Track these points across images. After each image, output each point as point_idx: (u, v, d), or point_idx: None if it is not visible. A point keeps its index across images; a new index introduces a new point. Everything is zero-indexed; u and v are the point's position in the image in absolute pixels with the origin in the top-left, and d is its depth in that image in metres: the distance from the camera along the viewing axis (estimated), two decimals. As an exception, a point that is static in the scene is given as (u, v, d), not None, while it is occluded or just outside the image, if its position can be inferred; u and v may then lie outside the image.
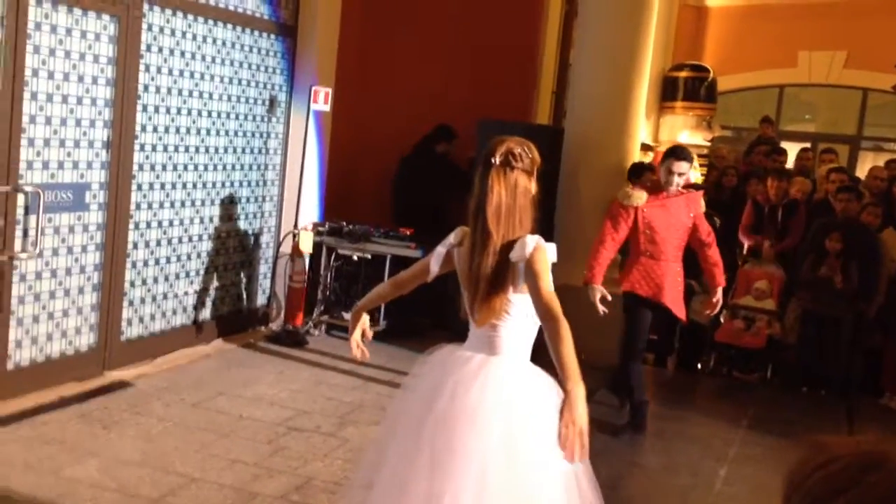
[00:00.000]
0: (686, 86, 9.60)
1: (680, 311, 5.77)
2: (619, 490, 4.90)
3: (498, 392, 2.87)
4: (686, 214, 5.62)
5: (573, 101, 7.70)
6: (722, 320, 7.65)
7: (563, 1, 9.09)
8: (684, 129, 9.51)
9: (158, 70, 6.25)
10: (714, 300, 5.67)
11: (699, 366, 7.77)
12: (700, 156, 9.44)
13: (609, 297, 5.47)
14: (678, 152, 5.74)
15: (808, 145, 10.11)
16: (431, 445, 2.89)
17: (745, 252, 7.89)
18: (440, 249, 3.15)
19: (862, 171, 9.60)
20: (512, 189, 2.97)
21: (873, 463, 0.59)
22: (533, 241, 2.91)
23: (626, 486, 5.07)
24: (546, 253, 2.91)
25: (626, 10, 7.31)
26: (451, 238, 3.13)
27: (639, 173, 7.29)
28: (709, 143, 9.56)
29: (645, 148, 8.58)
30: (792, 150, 10.01)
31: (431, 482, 2.85)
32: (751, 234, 7.76)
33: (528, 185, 3.01)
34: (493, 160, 3.00)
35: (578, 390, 2.63)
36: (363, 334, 3.34)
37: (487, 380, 2.91)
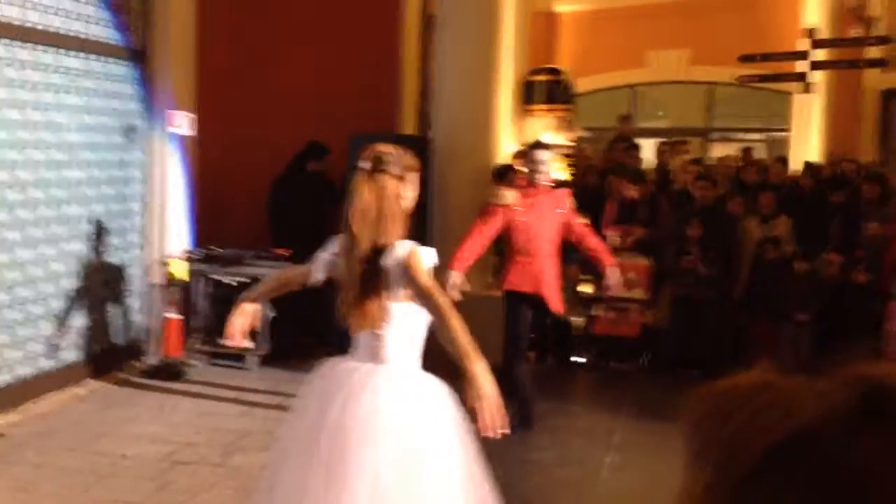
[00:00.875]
0: (544, 88, 9.87)
1: (557, 305, 5.93)
2: (514, 488, 4.96)
3: (388, 401, 2.85)
4: (553, 210, 5.79)
5: (437, 110, 7.80)
6: (596, 314, 7.88)
7: (421, 14, 9.19)
8: (546, 130, 9.77)
9: (3, 103, 5.97)
10: (613, 282, 5.85)
11: (575, 359, 7.97)
12: (565, 155, 9.71)
13: (466, 287, 5.50)
14: (534, 145, 6.03)
15: (665, 140, 10.54)
16: (326, 459, 2.86)
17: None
18: (323, 255, 3.13)
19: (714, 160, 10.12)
20: (380, 194, 2.97)
21: (760, 386, 0.62)
22: (406, 246, 2.91)
23: (521, 483, 5.14)
24: (421, 255, 2.91)
25: (481, 20, 7.47)
26: (334, 246, 3.12)
27: (503, 175, 7.44)
28: (572, 143, 9.86)
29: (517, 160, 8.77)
30: (647, 145, 10.42)
31: (327, 496, 2.82)
32: (616, 226, 8.02)
33: (399, 190, 3.01)
34: (360, 166, 3.00)
35: (479, 366, 2.65)
36: (250, 325, 3.24)
37: (377, 389, 2.90)
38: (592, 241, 5.96)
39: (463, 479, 2.94)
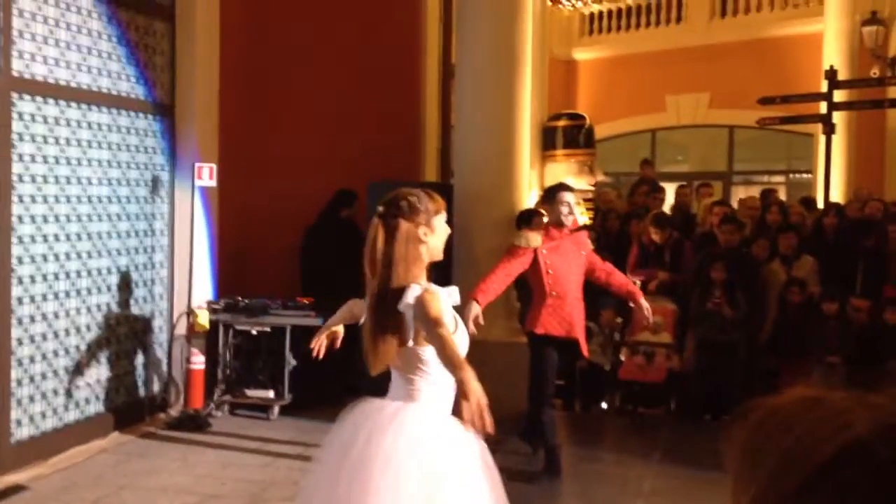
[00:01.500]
0: (565, 134, 9.91)
1: (585, 348, 5.90)
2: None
3: (413, 439, 2.82)
4: (577, 252, 5.77)
5: (459, 158, 7.84)
6: (623, 358, 7.81)
7: (440, 62, 9.30)
8: (567, 175, 9.79)
9: (32, 158, 6.06)
10: (645, 313, 5.70)
11: (604, 405, 7.88)
12: (585, 200, 9.71)
13: (481, 320, 5.37)
14: (559, 187, 6.04)
15: (683, 183, 10.53)
16: (348, 490, 2.84)
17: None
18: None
19: (735, 204, 10.08)
20: (394, 237, 2.97)
21: (811, 403, 0.61)
22: (417, 289, 2.89)
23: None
24: (435, 296, 2.88)
25: (500, 67, 7.53)
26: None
27: (528, 219, 7.44)
28: (593, 188, 9.86)
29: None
30: (669, 189, 10.40)
31: None
32: (640, 271, 7.98)
33: (416, 233, 3.00)
34: (378, 210, 3.02)
35: (465, 373, 2.63)
36: (329, 340, 3.49)
37: (403, 424, 2.88)
38: (620, 278, 5.95)
39: None
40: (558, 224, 5.74)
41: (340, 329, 3.52)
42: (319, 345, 3.48)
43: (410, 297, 2.87)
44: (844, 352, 7.12)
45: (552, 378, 5.93)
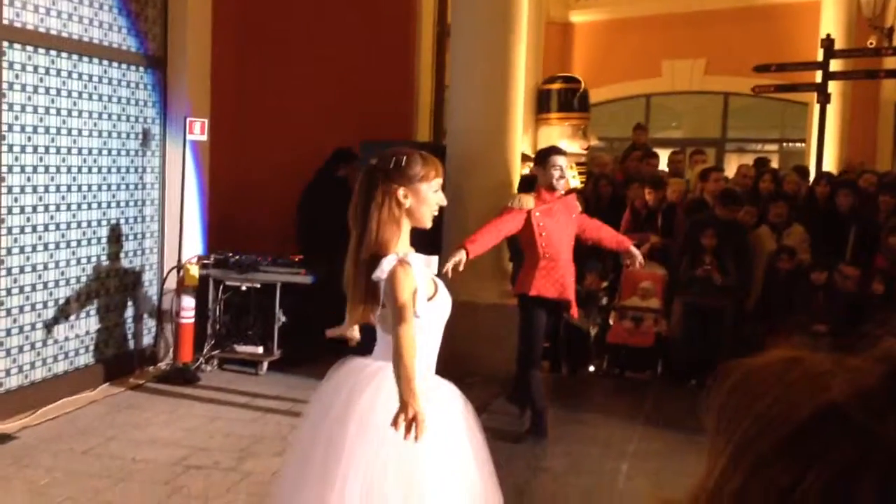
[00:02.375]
0: (559, 97, 9.85)
1: (575, 309, 5.94)
2: (525, 495, 4.94)
3: (390, 399, 2.77)
4: (568, 215, 5.78)
5: (452, 119, 7.79)
6: (611, 322, 7.85)
7: (436, 22, 9.21)
8: (561, 138, 9.75)
9: (23, 108, 6.01)
10: (637, 258, 5.78)
11: (591, 368, 7.93)
12: (578, 164, 9.69)
13: (461, 267, 5.24)
14: (551, 150, 6.03)
15: (677, 149, 10.52)
16: (325, 450, 2.85)
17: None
18: None
19: (728, 172, 10.07)
20: (372, 195, 2.91)
21: (789, 364, 0.61)
22: (392, 260, 2.83)
23: (533, 490, 5.11)
24: (407, 274, 2.81)
25: (496, 29, 7.46)
26: None
27: (532, 184, 7.41)
28: (585, 152, 9.83)
29: (525, 158, 8.75)
30: (663, 155, 10.38)
31: (322, 489, 2.80)
32: (632, 234, 7.99)
33: (396, 194, 2.91)
34: (367, 164, 3.00)
35: (407, 386, 2.65)
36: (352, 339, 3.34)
37: (381, 386, 2.86)
38: (609, 231, 5.99)
39: (469, 483, 2.91)
40: (549, 187, 5.73)
41: (356, 333, 3.33)
42: (338, 333, 3.35)
43: (385, 269, 2.81)
44: (831, 321, 7.17)
45: (541, 340, 5.97)
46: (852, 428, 0.55)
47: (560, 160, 5.79)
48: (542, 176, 5.82)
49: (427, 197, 2.98)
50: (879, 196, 7.89)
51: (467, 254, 5.31)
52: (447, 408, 2.98)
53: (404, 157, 2.95)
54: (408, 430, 2.59)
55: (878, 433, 0.55)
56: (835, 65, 10.93)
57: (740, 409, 0.60)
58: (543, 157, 5.90)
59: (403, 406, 2.62)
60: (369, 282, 2.87)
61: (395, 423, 2.62)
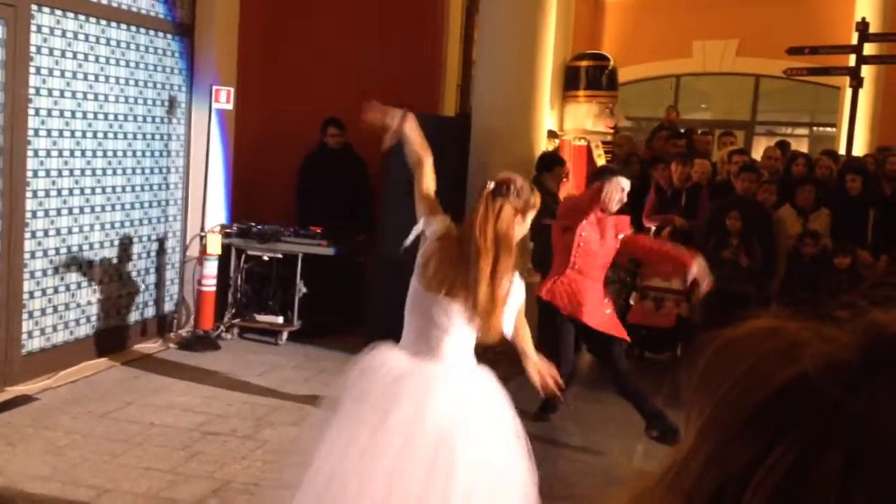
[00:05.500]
0: (588, 74, 9.73)
1: (606, 327, 5.55)
2: (539, 471, 4.93)
3: (458, 401, 3.08)
4: (614, 236, 5.49)
5: (479, 94, 7.74)
6: (632, 302, 7.80)
7: (464, -3, 9.13)
8: (588, 117, 9.64)
9: (50, 72, 6.02)
10: (702, 273, 5.39)
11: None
12: (604, 142, 9.60)
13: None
14: (610, 171, 5.83)
15: (705, 130, 10.39)
16: (369, 451, 2.96)
17: (650, 236, 8.05)
18: (433, 226, 3.20)
19: (757, 156, 9.94)
20: (497, 217, 3.12)
21: (766, 333, 0.58)
22: (520, 284, 3.24)
23: (548, 468, 5.10)
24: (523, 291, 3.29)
25: (526, 4, 7.38)
26: (438, 227, 3.19)
27: (549, 164, 7.34)
28: (612, 131, 9.73)
29: (551, 135, 8.68)
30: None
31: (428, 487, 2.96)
32: (656, 216, 7.93)
33: (513, 220, 3.16)
34: (487, 185, 3.20)
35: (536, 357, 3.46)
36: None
37: (447, 388, 3.09)
38: (670, 249, 5.72)
39: (512, 469, 3.11)
40: (605, 209, 5.40)
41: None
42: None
43: (519, 290, 3.22)
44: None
45: (570, 356, 5.71)
46: (821, 401, 0.53)
47: (624, 183, 5.42)
48: (608, 196, 5.36)
49: (527, 225, 3.35)
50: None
51: None
52: (490, 396, 3.20)
53: (523, 186, 3.26)
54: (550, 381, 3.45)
55: (849, 408, 0.52)
56: (869, 49, 10.75)
57: (713, 380, 0.58)
58: (609, 175, 5.52)
59: (539, 372, 3.52)
60: (500, 298, 3.15)
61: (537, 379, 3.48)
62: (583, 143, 9.47)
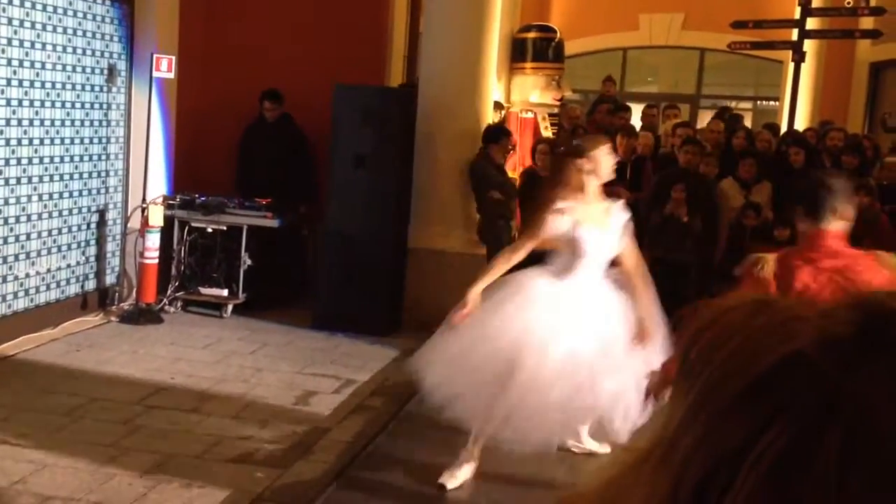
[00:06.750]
0: (534, 46, 9.73)
1: None
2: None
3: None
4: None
5: (425, 64, 7.70)
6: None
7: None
8: (534, 89, 9.65)
9: (-18, 38, 5.84)
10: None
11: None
12: (550, 115, 9.63)
13: None
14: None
15: (650, 103, 10.47)
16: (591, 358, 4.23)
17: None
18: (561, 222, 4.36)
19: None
20: (578, 168, 4.45)
21: (758, 307, 0.57)
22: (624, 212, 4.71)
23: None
24: None
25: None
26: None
27: (496, 137, 7.34)
28: (558, 103, 9.75)
29: (497, 107, 8.67)
30: (637, 110, 10.35)
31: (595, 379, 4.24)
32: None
33: (586, 167, 4.48)
34: (561, 152, 4.33)
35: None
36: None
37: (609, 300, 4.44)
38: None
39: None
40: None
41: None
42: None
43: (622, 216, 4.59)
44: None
45: None
46: (819, 379, 0.51)
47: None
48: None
49: (602, 160, 4.56)
50: (842, 156, 7.94)
51: None
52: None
53: (587, 139, 4.46)
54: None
55: (847, 386, 0.51)
56: (811, 23, 10.91)
57: (703, 355, 0.56)
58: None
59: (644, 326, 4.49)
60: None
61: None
62: (529, 115, 9.48)
